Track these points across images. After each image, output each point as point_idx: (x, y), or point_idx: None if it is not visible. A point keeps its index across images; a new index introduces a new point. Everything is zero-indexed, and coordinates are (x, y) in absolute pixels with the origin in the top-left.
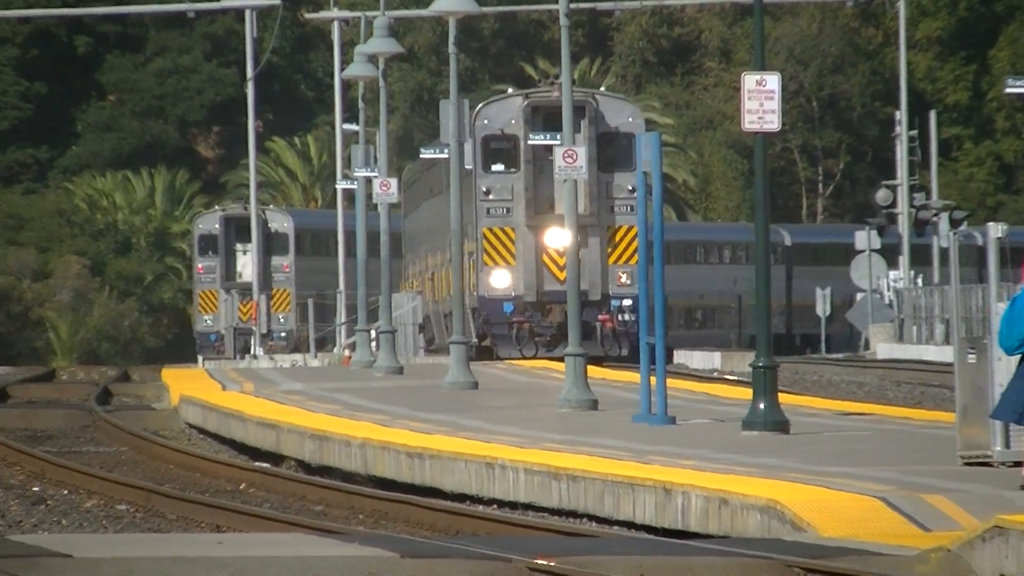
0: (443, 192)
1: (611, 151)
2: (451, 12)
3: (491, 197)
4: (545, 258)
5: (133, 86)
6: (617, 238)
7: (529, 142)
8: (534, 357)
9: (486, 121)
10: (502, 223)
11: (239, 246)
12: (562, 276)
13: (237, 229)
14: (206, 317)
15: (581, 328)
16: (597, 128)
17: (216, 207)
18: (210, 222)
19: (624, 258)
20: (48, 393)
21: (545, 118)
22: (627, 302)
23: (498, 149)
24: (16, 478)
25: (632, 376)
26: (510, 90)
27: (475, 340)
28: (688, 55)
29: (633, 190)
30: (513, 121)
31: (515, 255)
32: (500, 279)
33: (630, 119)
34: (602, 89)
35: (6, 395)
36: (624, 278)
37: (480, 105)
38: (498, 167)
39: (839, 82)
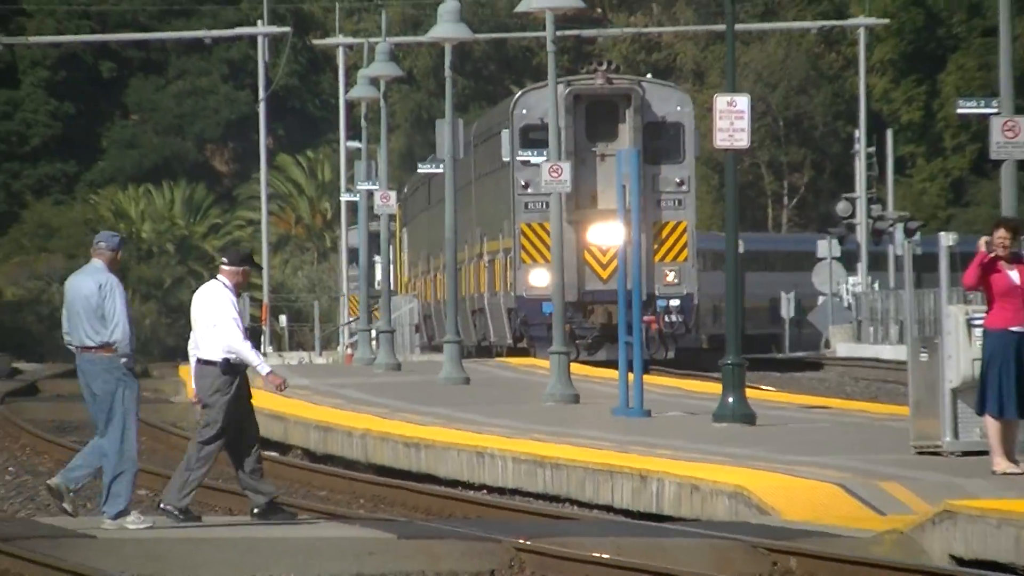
0: (441, 201)
1: (658, 142)
2: (447, 38)
3: (529, 191)
4: (587, 255)
5: (154, 106)
6: (664, 234)
7: (517, 158)
8: (575, 360)
9: (524, 111)
10: (541, 218)
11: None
12: (605, 275)
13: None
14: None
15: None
16: (643, 118)
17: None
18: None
19: (672, 255)
20: (74, 388)
21: (588, 107)
22: (674, 302)
23: (537, 140)
24: (45, 465)
25: (611, 373)
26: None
27: (510, 341)
28: (665, 77)
29: (681, 183)
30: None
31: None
32: (539, 278)
33: (679, 108)
34: (648, 76)
35: (36, 389)
36: (671, 277)
37: (518, 93)
38: (537, 159)
39: (803, 103)
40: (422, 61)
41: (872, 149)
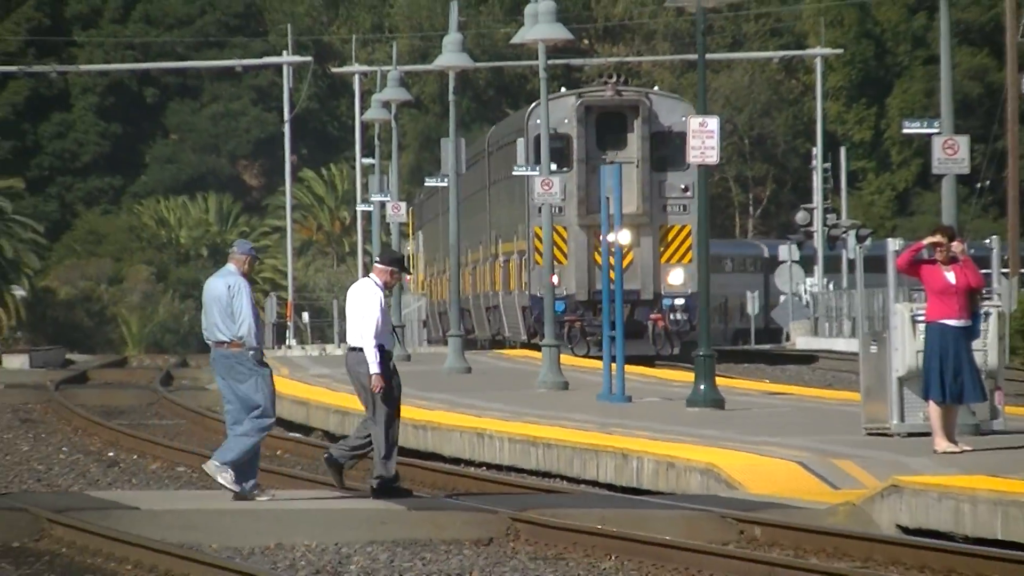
0: (462, 201)
1: (664, 150)
2: (451, 66)
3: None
4: (597, 257)
5: (191, 127)
6: (669, 237)
7: (514, 173)
8: (586, 356)
9: (538, 121)
10: (554, 222)
11: None
12: (614, 275)
13: None
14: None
15: (633, 327)
16: (650, 127)
17: None
18: None
19: (677, 257)
20: (121, 376)
21: (599, 117)
22: (679, 301)
23: (551, 148)
24: (94, 445)
25: (596, 363)
26: (563, 89)
27: (524, 337)
28: None
29: (686, 189)
30: (566, 120)
31: (567, 254)
32: (552, 278)
33: (683, 118)
34: (655, 88)
35: (86, 378)
36: (676, 277)
37: (533, 104)
38: (551, 166)
39: (766, 124)
40: (429, 87)
41: (827, 165)
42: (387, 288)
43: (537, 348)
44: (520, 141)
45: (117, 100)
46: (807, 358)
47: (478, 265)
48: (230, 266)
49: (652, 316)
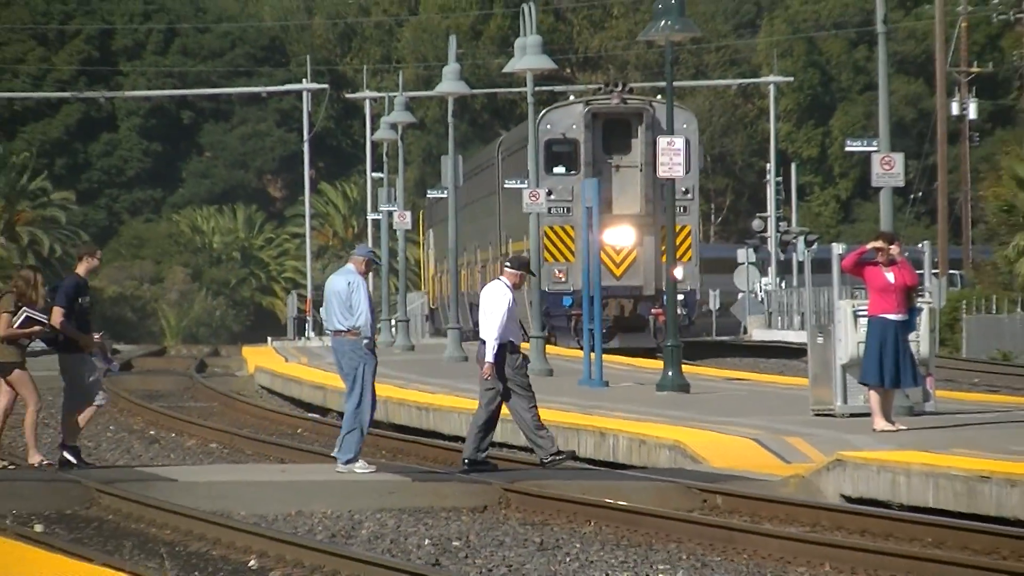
0: (471, 204)
1: None
2: (450, 93)
3: (552, 197)
4: (602, 255)
5: (223, 145)
6: None
7: (504, 186)
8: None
9: (548, 126)
10: (562, 222)
11: None
12: (619, 272)
13: None
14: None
15: (636, 321)
16: (653, 133)
17: None
18: None
19: (677, 255)
20: (161, 364)
21: (604, 123)
22: (679, 297)
23: (559, 152)
24: (137, 425)
25: (578, 353)
26: (571, 96)
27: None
28: None
29: (687, 192)
30: (574, 126)
31: (574, 252)
32: (559, 274)
33: (684, 125)
34: (658, 97)
35: (130, 365)
36: (677, 275)
37: (544, 111)
38: (559, 169)
39: (726, 143)
40: (431, 110)
41: (779, 179)
42: (516, 289)
43: (547, 341)
44: (530, 147)
45: (158, 122)
46: (762, 348)
47: (488, 263)
48: (350, 266)
49: (653, 311)
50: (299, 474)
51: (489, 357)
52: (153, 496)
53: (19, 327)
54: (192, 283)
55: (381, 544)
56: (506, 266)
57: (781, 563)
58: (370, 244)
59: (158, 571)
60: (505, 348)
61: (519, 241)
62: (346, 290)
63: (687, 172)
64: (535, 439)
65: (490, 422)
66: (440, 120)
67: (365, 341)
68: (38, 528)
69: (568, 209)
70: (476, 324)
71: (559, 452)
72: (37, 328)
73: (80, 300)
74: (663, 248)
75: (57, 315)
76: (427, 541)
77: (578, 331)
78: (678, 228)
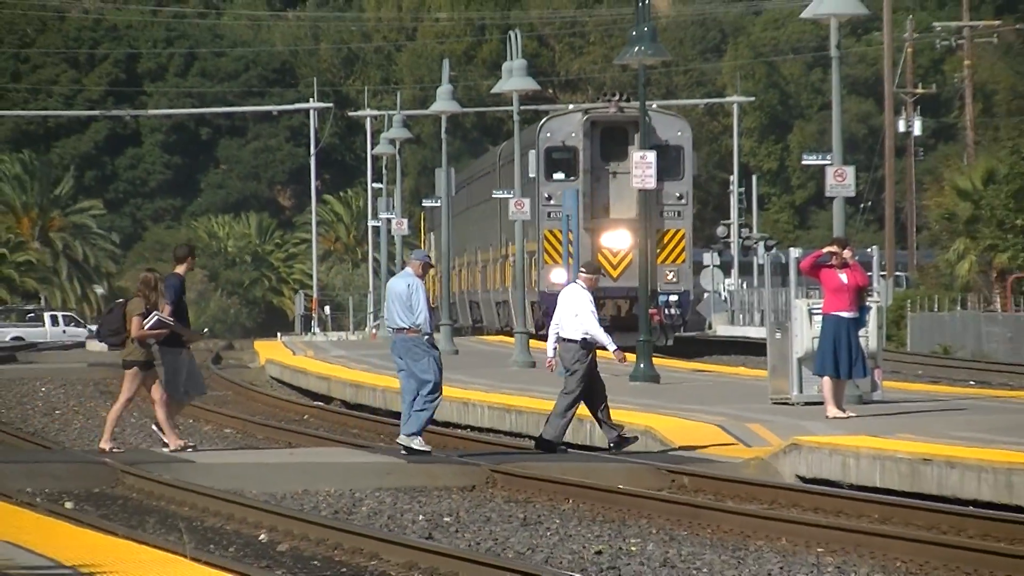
0: (473, 208)
1: (661, 162)
2: (443, 111)
3: (552, 202)
4: (600, 258)
5: (237, 159)
6: (665, 240)
7: (493, 195)
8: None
9: (548, 134)
10: (561, 226)
11: None
12: (615, 274)
13: None
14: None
15: (632, 321)
16: (649, 141)
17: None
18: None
19: (671, 258)
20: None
21: (603, 131)
22: (673, 298)
23: (559, 159)
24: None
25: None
26: (571, 106)
27: (532, 330)
28: None
29: (680, 197)
30: (573, 134)
31: (573, 254)
32: (559, 276)
33: (679, 133)
34: (654, 106)
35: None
36: (671, 276)
37: (544, 119)
38: (559, 175)
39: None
40: (426, 127)
41: (742, 190)
42: (590, 290)
43: (544, 339)
44: (532, 153)
45: (178, 138)
46: (726, 343)
47: (489, 264)
48: (408, 269)
49: (649, 311)
50: (306, 456)
51: (612, 346)
52: (173, 476)
53: (150, 328)
54: (209, 283)
55: (379, 520)
56: (582, 271)
57: (742, 537)
58: (371, 249)
59: (178, 543)
60: (588, 343)
61: (533, 241)
62: (406, 291)
63: (680, 178)
64: (557, 420)
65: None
66: (434, 136)
67: (426, 337)
68: (68, 505)
69: (567, 214)
70: (535, 325)
71: (622, 438)
72: (165, 330)
73: (182, 297)
74: (658, 251)
75: (166, 311)
76: (421, 517)
77: None
78: (672, 231)
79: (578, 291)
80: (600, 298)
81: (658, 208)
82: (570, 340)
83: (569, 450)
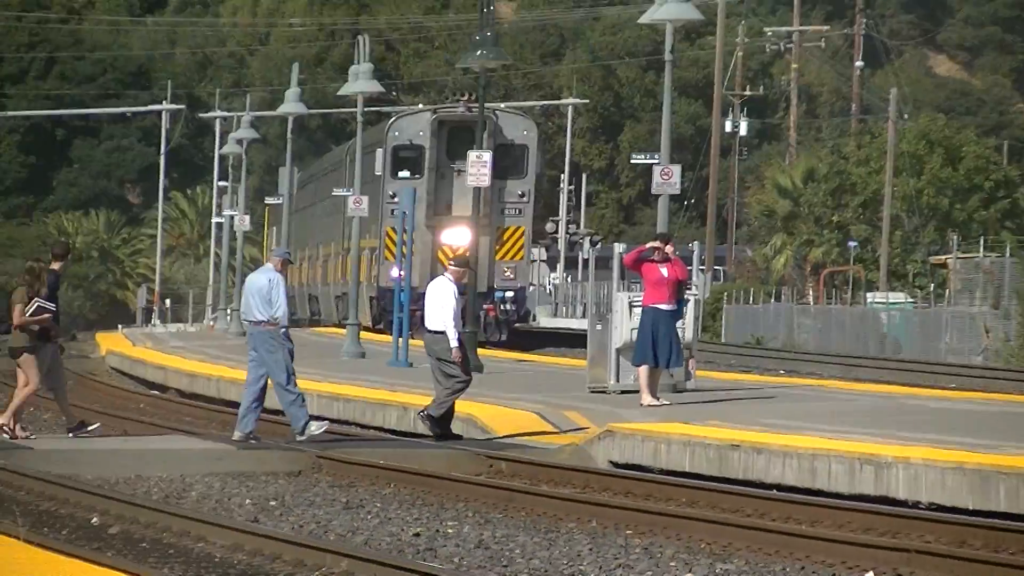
0: (318, 204)
1: (506, 160)
2: (290, 113)
3: (396, 200)
4: (440, 254)
5: (90, 158)
6: (505, 237)
7: (334, 192)
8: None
9: (396, 133)
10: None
11: None
12: None
13: None
14: None
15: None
16: (495, 140)
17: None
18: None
19: (510, 255)
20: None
21: (450, 131)
22: (509, 294)
23: (406, 158)
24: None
25: (388, 338)
26: (421, 105)
27: (370, 323)
28: None
29: (523, 195)
30: (421, 133)
31: (414, 251)
32: (398, 272)
33: (524, 132)
34: (502, 106)
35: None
36: (508, 273)
37: (393, 118)
38: (404, 173)
39: None
40: (273, 128)
41: (572, 187)
42: (458, 284)
43: (382, 332)
44: (379, 151)
45: (35, 138)
46: (550, 335)
47: (330, 259)
48: (269, 265)
49: (485, 306)
50: (141, 443)
51: (454, 342)
52: (12, 463)
53: (31, 315)
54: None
55: (207, 504)
56: (451, 264)
57: (554, 520)
58: (213, 243)
59: (12, 526)
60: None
61: (362, 238)
62: (267, 286)
63: (523, 176)
64: (434, 409)
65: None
66: (281, 136)
67: (283, 329)
68: None
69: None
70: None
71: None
72: (46, 316)
73: (55, 293)
74: (496, 247)
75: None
76: (248, 501)
77: (414, 325)
78: (512, 229)
79: (444, 284)
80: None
81: (500, 206)
82: (438, 332)
83: (395, 437)
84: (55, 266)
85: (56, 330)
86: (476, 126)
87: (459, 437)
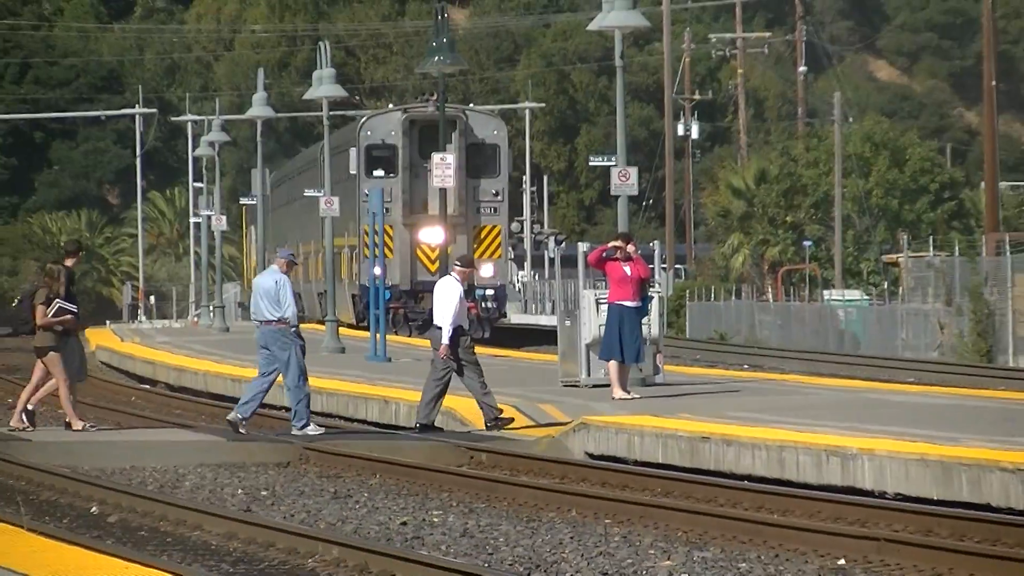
0: (294, 202)
1: (478, 160)
2: (258, 116)
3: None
4: (418, 252)
5: (69, 160)
6: (482, 235)
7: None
8: (410, 338)
9: (369, 132)
10: (383, 221)
11: None
12: (433, 268)
13: None
14: None
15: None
16: (466, 139)
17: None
18: None
19: (488, 253)
20: (16, 343)
21: (421, 130)
22: (490, 292)
23: (379, 157)
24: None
25: (366, 333)
26: (391, 105)
27: (353, 320)
28: None
29: (497, 194)
30: (393, 132)
31: (392, 249)
32: (378, 270)
33: (495, 132)
34: (471, 106)
35: None
36: (488, 271)
37: (364, 118)
38: (378, 172)
39: None
40: (243, 131)
41: (534, 188)
42: (463, 282)
43: (364, 329)
44: (352, 151)
45: (15, 140)
46: (521, 331)
47: (310, 256)
48: (274, 266)
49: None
50: (133, 435)
51: (445, 340)
52: (11, 454)
53: (53, 316)
54: (42, 275)
55: (201, 493)
56: (456, 264)
57: (535, 509)
58: (192, 243)
59: (15, 515)
60: (458, 331)
61: (340, 236)
62: (273, 287)
63: (496, 175)
64: (483, 400)
65: (442, 393)
66: (250, 139)
67: (292, 328)
68: None
69: (387, 209)
70: (409, 308)
71: (498, 418)
72: (68, 317)
73: (71, 288)
74: (475, 246)
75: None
76: (240, 491)
77: (396, 323)
78: (489, 227)
79: (451, 283)
80: (421, 292)
81: (475, 204)
82: (439, 327)
83: (377, 429)
84: (68, 263)
85: (76, 326)
86: (447, 125)
87: (440, 429)
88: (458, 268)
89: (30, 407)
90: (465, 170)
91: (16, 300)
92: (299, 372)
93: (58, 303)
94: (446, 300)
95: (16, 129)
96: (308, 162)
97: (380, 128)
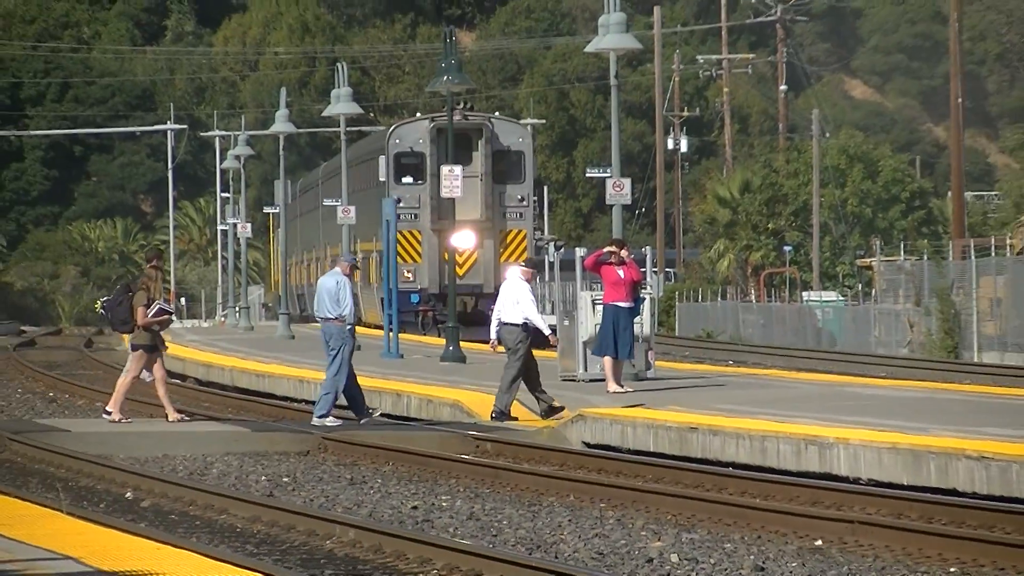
0: (317, 210)
1: (503, 166)
2: (280, 132)
3: (401, 205)
4: (447, 256)
5: (106, 172)
6: (508, 239)
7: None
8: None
9: (398, 140)
10: (410, 227)
11: None
12: (461, 272)
13: None
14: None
15: (477, 317)
16: (492, 147)
17: None
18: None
19: (514, 256)
20: (57, 341)
21: (448, 137)
22: None
23: (408, 164)
24: (39, 388)
25: (380, 332)
26: (418, 114)
27: (382, 322)
28: None
29: (522, 199)
30: (421, 140)
31: (421, 254)
32: (408, 274)
33: (520, 139)
34: (496, 113)
35: (34, 343)
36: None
37: (393, 127)
38: (407, 179)
39: None
40: (266, 145)
41: (535, 198)
42: (528, 281)
43: (403, 332)
44: (381, 158)
45: (56, 154)
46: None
47: (320, 263)
48: (337, 269)
49: (492, 307)
50: (164, 426)
51: (547, 330)
52: (51, 443)
53: (153, 316)
54: (82, 278)
55: (228, 480)
56: (522, 266)
57: (536, 494)
58: (220, 249)
59: (56, 500)
60: (526, 325)
61: (368, 242)
62: (335, 287)
63: (522, 181)
64: (503, 394)
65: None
66: (274, 152)
67: (348, 327)
68: None
69: (416, 215)
70: (438, 311)
71: (552, 407)
72: (166, 317)
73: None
74: (501, 250)
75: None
76: (263, 478)
77: (424, 325)
78: (515, 231)
79: (518, 282)
80: (448, 295)
81: (501, 209)
82: (512, 324)
83: (390, 420)
84: (154, 266)
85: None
86: (472, 133)
87: (515, 419)
88: (523, 269)
89: (165, 401)
90: (491, 176)
91: (101, 302)
92: (339, 367)
93: (158, 304)
94: (518, 298)
95: (57, 144)
96: (334, 169)
97: (409, 136)
